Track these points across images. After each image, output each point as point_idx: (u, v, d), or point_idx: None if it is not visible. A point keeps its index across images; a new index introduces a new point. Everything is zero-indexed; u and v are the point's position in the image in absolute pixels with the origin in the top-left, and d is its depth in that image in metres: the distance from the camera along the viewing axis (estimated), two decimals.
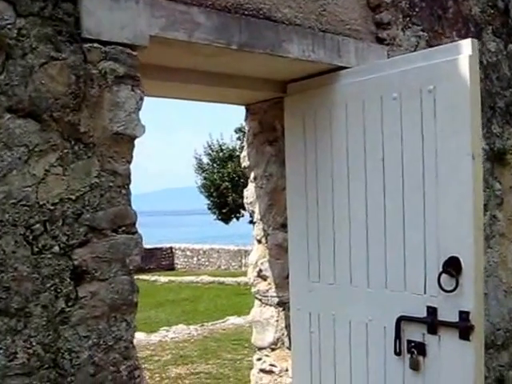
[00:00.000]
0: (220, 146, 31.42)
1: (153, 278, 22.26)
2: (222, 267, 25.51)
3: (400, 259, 3.30)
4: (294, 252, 3.90)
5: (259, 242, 4.22)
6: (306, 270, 3.79)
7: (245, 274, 18.63)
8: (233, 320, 11.66)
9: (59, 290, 2.43)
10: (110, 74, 2.60)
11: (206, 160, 31.71)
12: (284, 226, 4.05)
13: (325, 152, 3.67)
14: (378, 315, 3.41)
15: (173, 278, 21.96)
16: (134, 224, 2.71)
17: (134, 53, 2.67)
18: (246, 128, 4.33)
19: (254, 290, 4.26)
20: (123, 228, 2.65)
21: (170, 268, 26.53)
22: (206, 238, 41.45)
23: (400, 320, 3.28)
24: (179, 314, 14.68)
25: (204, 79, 3.54)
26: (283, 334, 4.08)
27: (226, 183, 30.32)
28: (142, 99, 2.70)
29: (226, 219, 31.72)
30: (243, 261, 24.61)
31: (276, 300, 4.11)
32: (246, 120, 4.35)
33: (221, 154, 31.23)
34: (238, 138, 31.85)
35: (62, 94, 2.47)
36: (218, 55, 3.18)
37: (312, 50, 3.49)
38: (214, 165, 31.26)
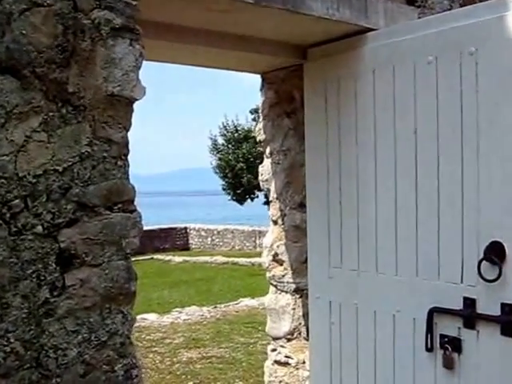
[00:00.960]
0: (235, 126, 31.04)
1: (167, 258, 21.98)
2: (236, 247, 25.19)
3: (433, 244, 2.89)
4: (313, 234, 3.50)
5: (275, 222, 3.83)
6: (326, 254, 3.39)
7: (259, 254, 18.31)
8: (246, 302, 11.31)
9: (42, 278, 2.05)
10: (104, 25, 2.18)
11: (221, 141, 31.38)
12: (302, 206, 3.65)
13: (349, 124, 3.24)
14: (407, 306, 3.01)
15: (187, 258, 21.65)
16: (132, 201, 2.32)
17: (134, 2, 2.26)
18: (262, 99, 3.91)
19: (268, 274, 3.87)
20: (119, 205, 2.26)
21: (185, 248, 26.23)
22: (221, 219, 41.20)
23: (432, 312, 2.88)
24: (193, 294, 14.37)
25: (216, 41, 3.11)
26: (300, 324, 3.70)
27: (241, 164, 30.00)
28: (142, 56, 2.29)
29: (240, 200, 31.45)
30: (257, 241, 24.27)
31: (293, 286, 3.72)
32: (261, 90, 3.93)
33: (236, 134, 30.87)
34: (254, 119, 31.48)
35: (46, 47, 2.06)
36: (232, 11, 2.76)
37: (337, 9, 3.05)
38: (229, 145, 30.93)
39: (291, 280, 3.72)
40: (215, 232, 26.18)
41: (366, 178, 3.16)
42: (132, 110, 2.30)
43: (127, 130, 2.30)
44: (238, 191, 30.73)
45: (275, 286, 3.84)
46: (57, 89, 2.09)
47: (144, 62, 2.37)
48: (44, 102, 2.07)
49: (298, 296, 3.71)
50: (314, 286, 3.50)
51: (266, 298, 3.95)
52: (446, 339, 2.85)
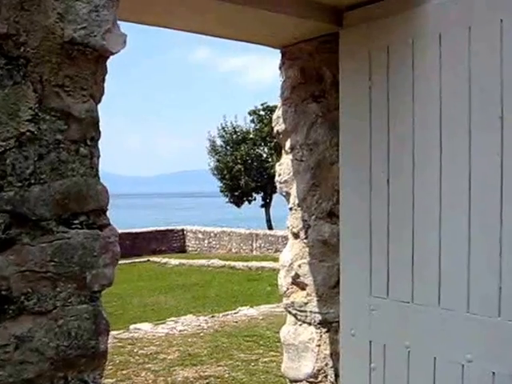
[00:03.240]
0: (234, 128, 30.22)
1: (164, 261, 21.18)
2: (233, 250, 24.44)
3: None
4: (347, 252, 2.66)
5: (296, 236, 2.99)
6: (366, 278, 2.55)
7: (256, 258, 17.42)
8: (245, 311, 10.44)
9: None
10: None
11: (219, 142, 30.58)
12: (332, 215, 2.82)
13: (402, 109, 2.41)
14: (483, 354, 2.17)
15: (184, 261, 20.83)
16: (104, 211, 1.49)
17: None
18: (281, 79, 3.07)
19: (286, 301, 3.03)
20: (81, 218, 1.43)
21: (182, 250, 25.46)
22: (218, 221, 40.34)
23: None
24: (189, 299, 13.53)
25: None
26: (327, 365, 2.85)
27: (239, 166, 29.22)
28: None
29: (237, 202, 30.65)
30: (254, 244, 23.57)
31: (318, 317, 2.88)
32: (280, 68, 3.09)
33: (234, 136, 30.07)
34: (252, 121, 30.71)
35: None
36: None
37: None
38: (227, 147, 30.14)
39: (316, 309, 2.88)
40: (212, 234, 25.51)
41: (426, 180, 2.33)
42: (104, 69, 1.46)
43: (97, 101, 1.46)
44: (236, 193, 29.93)
45: (294, 316, 2.99)
46: None
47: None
48: None
49: (324, 330, 2.87)
50: (347, 318, 2.66)
51: (281, 331, 3.10)
52: None
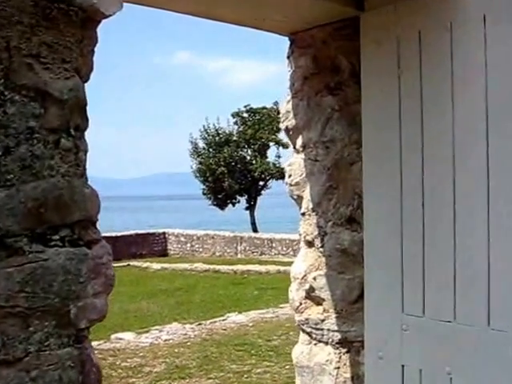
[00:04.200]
0: (216, 130, 29.83)
1: (144, 265, 20.60)
2: (217, 254, 23.99)
3: None
4: (373, 263, 2.33)
5: (310, 244, 2.65)
6: (396, 293, 2.23)
7: (241, 261, 17.04)
8: (234, 317, 10.06)
9: None
10: None
11: (201, 144, 30.16)
12: (352, 221, 2.49)
13: (440, 99, 2.09)
14: None
15: (166, 265, 20.28)
16: (93, 222, 1.14)
17: None
18: (291, 69, 2.73)
19: (299, 317, 2.69)
20: (63, 232, 1.08)
21: (163, 254, 24.87)
22: (200, 224, 39.86)
23: None
24: (173, 305, 13.05)
25: None
26: None
27: (222, 168, 28.84)
28: None
29: (221, 205, 30.26)
30: (239, 248, 23.17)
31: (337, 336, 2.54)
32: (288, 58, 2.75)
33: (217, 138, 29.68)
34: (235, 123, 30.34)
35: None
36: None
37: None
38: (210, 149, 29.74)
39: (334, 327, 2.54)
40: (195, 238, 25.01)
41: (471, 179, 2.01)
42: (94, 38, 1.11)
43: (84, 78, 1.11)
44: (219, 196, 29.54)
45: (309, 334, 2.65)
46: None
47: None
48: None
49: (344, 350, 2.53)
50: (374, 339, 2.33)
51: (293, 351, 2.76)
52: None
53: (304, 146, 2.65)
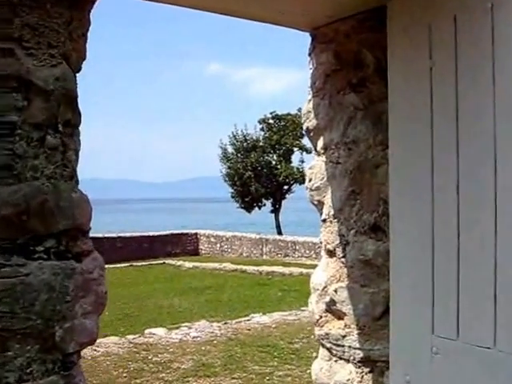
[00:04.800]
0: (244, 136, 29.61)
1: (178, 263, 20.71)
2: (244, 254, 23.84)
3: None
4: (400, 276, 1.98)
5: (331, 253, 2.31)
6: (426, 312, 1.87)
7: (266, 262, 16.79)
8: (258, 318, 9.75)
9: None
10: None
11: (230, 150, 29.98)
12: (377, 230, 2.14)
13: (478, 93, 1.73)
14: None
15: (197, 264, 20.30)
16: (84, 232, 0.84)
17: None
18: (312, 67, 2.40)
19: (319, 331, 2.35)
20: (48, 243, 0.79)
21: (195, 253, 24.97)
22: (228, 225, 39.67)
23: None
24: (202, 303, 12.88)
25: None
26: None
27: (250, 172, 28.61)
28: None
29: (248, 208, 30.04)
30: (264, 249, 22.96)
31: (359, 354, 2.20)
32: (310, 55, 2.43)
33: (245, 144, 29.46)
34: (262, 129, 30.07)
35: None
36: None
37: None
38: (238, 154, 29.54)
39: (356, 344, 2.19)
40: (224, 238, 25.02)
41: None
42: (86, 20, 0.82)
43: (74, 66, 0.83)
44: (246, 199, 29.30)
45: (329, 350, 2.31)
46: None
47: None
48: None
49: (366, 370, 2.18)
50: (400, 361, 1.97)
51: (312, 367, 2.42)
52: None
53: (325, 148, 2.31)
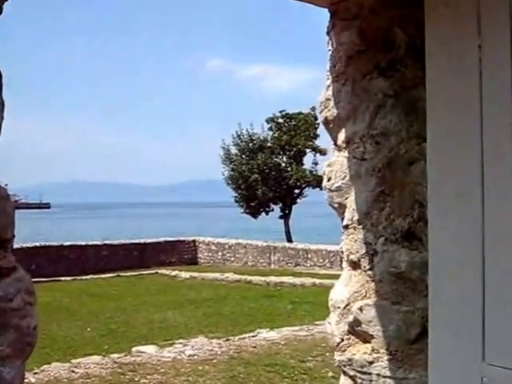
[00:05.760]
0: (250, 135, 29.36)
1: (173, 273, 20.11)
2: (249, 263, 23.44)
3: None
4: (441, 292, 1.80)
5: (355, 265, 2.13)
6: (475, 335, 1.69)
7: (274, 272, 16.55)
8: (264, 334, 9.50)
9: None
10: None
11: (234, 151, 29.74)
12: (411, 237, 1.96)
13: None
14: None
15: (195, 274, 19.76)
16: (3, 241, 0.66)
17: None
18: (331, 48, 2.23)
19: (339, 357, 2.16)
20: None
21: (193, 262, 24.47)
22: (230, 232, 39.49)
23: None
24: (200, 317, 12.49)
25: None
26: None
27: (256, 175, 28.36)
28: None
29: (254, 213, 29.75)
30: (272, 258, 22.55)
31: (390, 383, 2.02)
32: (328, 33, 2.25)
33: (250, 144, 29.22)
34: (270, 129, 29.83)
35: None
36: None
37: None
38: (243, 156, 29.30)
39: (387, 372, 2.01)
40: (226, 246, 24.52)
41: None
42: None
43: None
44: (252, 204, 29.04)
45: (352, 379, 2.13)
46: None
47: None
48: None
49: None
50: None
51: None
52: None
53: (348, 142, 2.14)
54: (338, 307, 2.14)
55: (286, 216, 29.72)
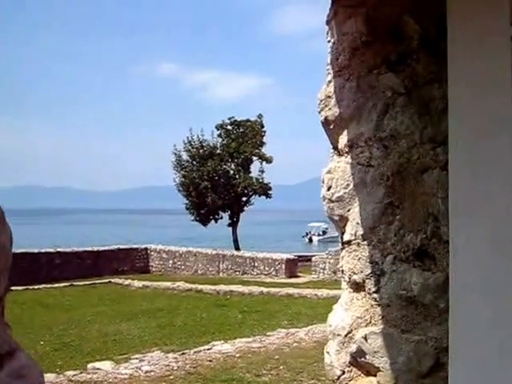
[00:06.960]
0: (200, 142, 29.02)
1: (126, 282, 19.76)
2: (199, 271, 23.25)
3: None
4: (462, 320, 1.54)
5: (358, 287, 1.85)
6: (505, 369, 1.43)
7: (223, 281, 16.27)
8: (219, 346, 9.18)
9: None
10: None
11: (185, 157, 29.34)
12: (424, 256, 1.70)
13: None
14: None
15: (147, 283, 19.48)
16: None
17: None
18: (332, 38, 1.95)
19: None
20: None
21: (145, 270, 24.07)
22: (183, 240, 38.88)
23: None
24: (154, 328, 12.16)
25: None
26: None
27: (206, 182, 28.04)
28: None
29: (204, 220, 29.40)
30: (221, 266, 22.48)
31: None
32: (329, 22, 1.98)
33: (201, 151, 28.88)
34: (219, 135, 29.65)
35: None
36: None
37: None
38: (194, 162, 28.94)
39: None
40: (177, 254, 24.28)
41: None
42: None
43: None
44: (202, 211, 28.67)
45: None
46: None
47: None
48: None
49: None
50: None
51: None
52: None
53: (351, 146, 1.86)
54: (339, 334, 1.85)
55: (233, 224, 29.59)
